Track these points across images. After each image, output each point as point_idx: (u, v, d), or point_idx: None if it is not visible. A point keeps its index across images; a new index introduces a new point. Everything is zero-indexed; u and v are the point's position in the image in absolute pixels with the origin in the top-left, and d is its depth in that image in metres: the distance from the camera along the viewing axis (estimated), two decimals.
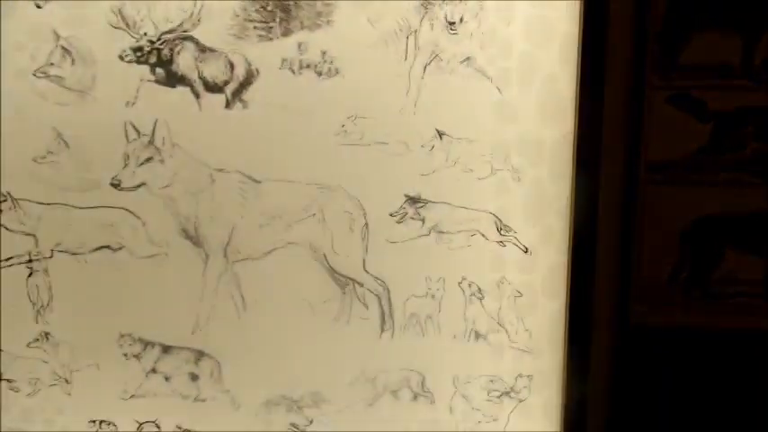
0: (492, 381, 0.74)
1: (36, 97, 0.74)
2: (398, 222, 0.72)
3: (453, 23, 0.70)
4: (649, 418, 0.76)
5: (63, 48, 0.73)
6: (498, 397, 0.74)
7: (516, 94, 0.70)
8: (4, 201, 0.76)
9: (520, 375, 0.73)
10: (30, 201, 0.76)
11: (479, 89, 0.70)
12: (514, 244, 0.72)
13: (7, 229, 0.77)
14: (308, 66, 0.71)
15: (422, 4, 0.70)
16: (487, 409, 0.74)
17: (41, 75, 0.73)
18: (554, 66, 0.71)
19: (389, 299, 0.74)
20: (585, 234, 0.73)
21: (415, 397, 0.75)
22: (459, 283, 0.73)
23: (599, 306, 0.74)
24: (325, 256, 0.74)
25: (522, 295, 0.73)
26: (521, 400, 0.74)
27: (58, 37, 0.72)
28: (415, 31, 0.70)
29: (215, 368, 0.77)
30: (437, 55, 0.70)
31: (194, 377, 0.77)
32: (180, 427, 0.78)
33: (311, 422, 0.77)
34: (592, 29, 0.71)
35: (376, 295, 0.74)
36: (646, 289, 0.76)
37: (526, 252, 0.72)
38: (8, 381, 0.79)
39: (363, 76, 0.71)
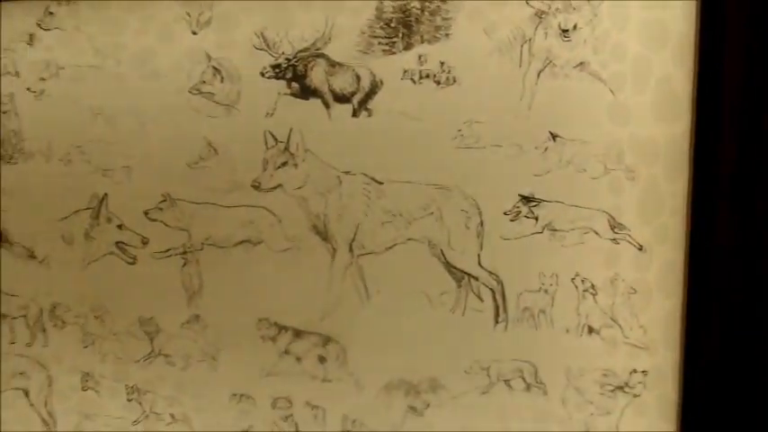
0: (605, 375, 0.76)
1: (191, 111, 0.86)
2: (512, 220, 0.76)
3: (567, 31, 0.73)
4: (765, 416, 0.74)
5: (214, 68, 0.84)
6: (611, 391, 0.76)
7: (630, 95, 0.72)
8: (164, 201, 0.89)
9: (634, 371, 0.75)
10: (185, 201, 0.88)
11: (593, 92, 0.73)
12: (629, 242, 0.74)
13: (166, 225, 0.89)
14: (427, 76, 0.76)
15: (536, 14, 0.73)
16: (600, 403, 0.76)
17: (195, 92, 0.85)
18: (669, 66, 0.72)
19: (503, 293, 0.78)
20: (702, 232, 0.73)
21: (528, 387, 0.78)
22: (573, 279, 0.76)
23: (715, 304, 0.74)
24: (442, 251, 0.79)
25: (636, 292, 0.74)
26: (635, 396, 0.75)
27: (209, 58, 0.83)
28: (530, 40, 0.74)
29: (340, 352, 0.85)
30: (551, 61, 0.74)
31: (322, 359, 0.86)
32: (309, 404, 0.87)
33: (428, 406, 0.82)
34: (708, 28, 0.71)
35: (490, 289, 0.78)
36: (762, 287, 0.74)
37: (641, 249, 0.73)
38: (165, 356, 0.92)
39: (479, 84, 0.75)
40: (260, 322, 0.87)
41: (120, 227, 0.91)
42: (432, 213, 0.79)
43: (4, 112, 0.92)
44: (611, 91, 0.73)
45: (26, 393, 0.99)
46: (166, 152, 0.87)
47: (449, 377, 0.81)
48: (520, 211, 0.76)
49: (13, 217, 0.95)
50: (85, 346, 0.95)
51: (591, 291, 0.75)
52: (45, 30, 0.89)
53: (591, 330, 0.76)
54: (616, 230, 0.74)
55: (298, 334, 0.86)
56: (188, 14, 0.83)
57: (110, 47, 0.87)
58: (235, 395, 0.90)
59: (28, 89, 0.91)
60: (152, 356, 0.93)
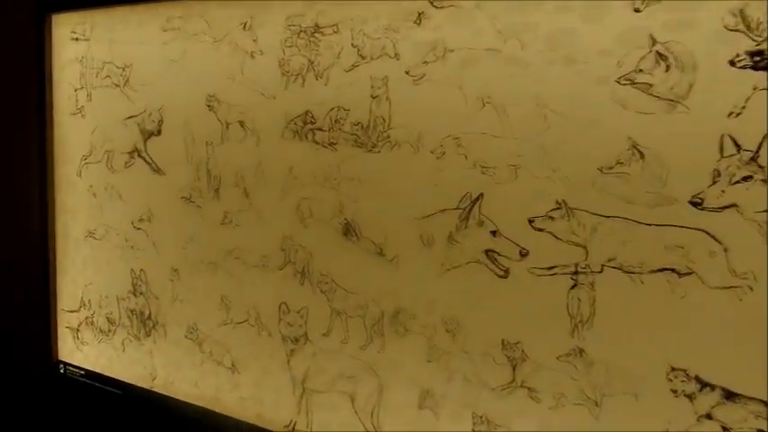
0: None
1: (614, 105, 0.71)
2: None
3: None
4: None
5: (658, 53, 0.68)
6: None
7: None
8: (558, 209, 0.76)
9: None
10: (586, 211, 0.74)
11: None
12: None
13: (556, 237, 0.76)
14: None
15: None
16: None
17: (626, 82, 0.70)
18: None
19: None
20: None
21: None
22: None
23: None
24: None
25: None
26: None
27: (653, 42, 0.68)
28: None
29: None
30: None
31: None
32: None
33: None
34: None
35: None
36: None
37: None
38: (529, 389, 0.80)
39: None
40: (673, 372, 0.70)
41: (494, 233, 0.80)
42: None
43: (375, 97, 0.86)
44: None
45: (351, 399, 0.93)
46: (571, 152, 0.73)
47: None
48: None
49: (366, 209, 0.89)
50: (429, 361, 0.86)
51: None
52: (438, 8, 0.80)
53: None
54: None
55: (729, 396, 0.68)
56: None
57: (515, 27, 0.75)
58: None
59: (406, 73, 0.83)
60: (512, 386, 0.80)
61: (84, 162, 1.17)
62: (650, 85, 0.69)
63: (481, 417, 0.82)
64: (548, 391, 0.78)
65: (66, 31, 1.16)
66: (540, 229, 0.76)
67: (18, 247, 1.27)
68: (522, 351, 0.79)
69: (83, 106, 1.15)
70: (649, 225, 0.70)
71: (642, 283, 0.71)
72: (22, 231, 1.25)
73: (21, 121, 1.21)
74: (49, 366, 1.26)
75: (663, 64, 0.68)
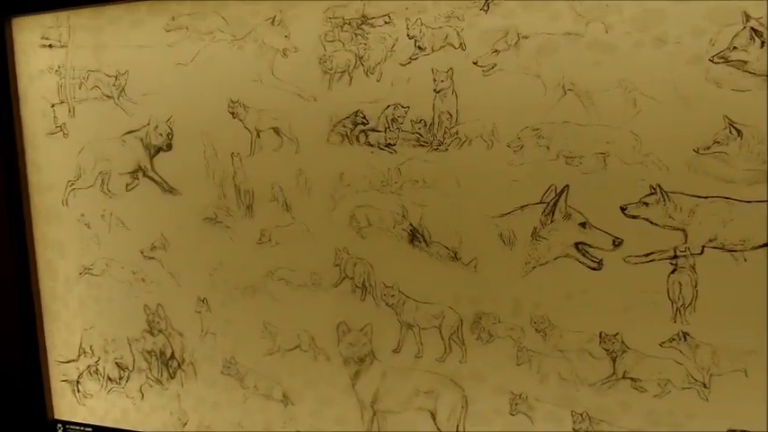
0: None
1: (709, 84, 0.70)
2: None
3: None
4: None
5: (752, 30, 0.68)
6: None
7: None
8: (653, 194, 0.74)
9: None
10: (683, 194, 0.73)
11: None
12: None
13: (652, 223, 0.75)
14: None
15: None
16: None
17: (719, 60, 0.69)
18: None
19: None
20: None
21: None
22: None
23: None
24: None
25: None
26: None
27: (747, 18, 0.68)
28: None
29: None
30: None
31: None
32: None
33: None
34: None
35: None
36: None
37: None
38: (633, 379, 0.78)
39: None
40: None
41: (583, 225, 0.77)
42: None
43: (438, 91, 0.79)
44: None
45: (432, 415, 0.87)
46: (664, 135, 0.72)
47: None
48: None
49: (434, 212, 0.82)
50: (519, 364, 0.82)
51: None
52: None
53: None
54: None
55: None
56: None
57: (597, 10, 0.72)
58: (733, 431, 0.74)
59: (475, 63, 0.77)
60: (613, 379, 0.78)
61: (70, 188, 1.01)
62: (745, 62, 0.68)
63: (581, 414, 0.80)
64: (652, 379, 0.76)
65: (34, 36, 0.98)
66: (634, 216, 0.75)
67: None
68: (622, 342, 0.77)
69: (64, 123, 0.99)
70: (749, 202, 0.71)
71: (745, 260, 0.71)
72: None
73: None
74: (44, 428, 1.08)
75: (757, 40, 0.68)
